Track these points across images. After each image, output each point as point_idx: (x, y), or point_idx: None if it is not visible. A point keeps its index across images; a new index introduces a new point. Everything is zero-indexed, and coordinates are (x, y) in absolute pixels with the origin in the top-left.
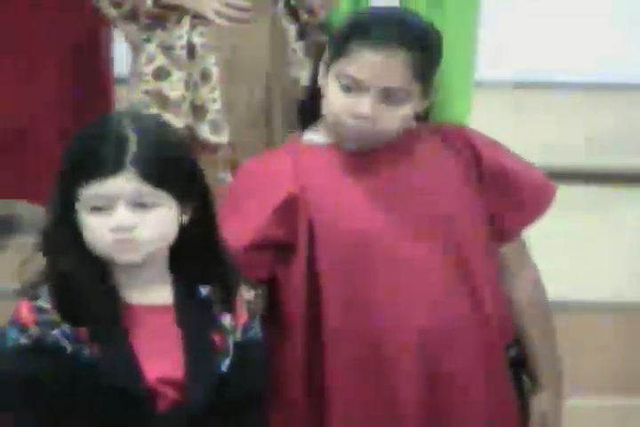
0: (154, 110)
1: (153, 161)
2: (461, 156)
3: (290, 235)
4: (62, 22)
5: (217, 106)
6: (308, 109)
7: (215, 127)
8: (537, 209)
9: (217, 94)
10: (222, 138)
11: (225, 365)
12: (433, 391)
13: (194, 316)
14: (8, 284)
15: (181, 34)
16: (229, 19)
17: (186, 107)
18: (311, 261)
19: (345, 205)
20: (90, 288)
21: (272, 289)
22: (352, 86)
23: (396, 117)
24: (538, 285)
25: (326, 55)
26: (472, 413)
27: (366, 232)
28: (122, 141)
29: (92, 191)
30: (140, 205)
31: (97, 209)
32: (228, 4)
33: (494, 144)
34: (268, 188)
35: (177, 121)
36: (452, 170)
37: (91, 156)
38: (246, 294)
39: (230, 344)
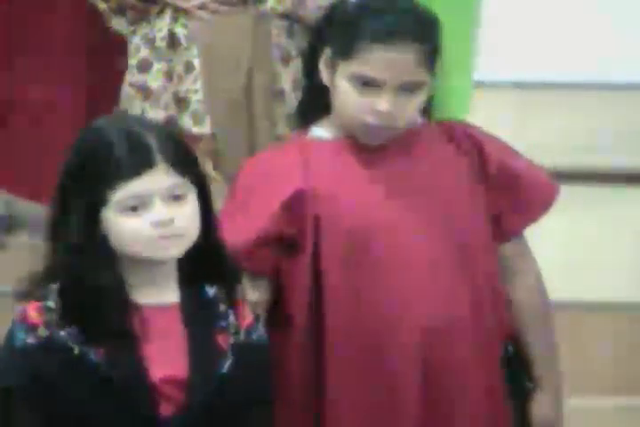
0: (137, 102)
1: (176, 152)
2: (467, 154)
3: (296, 231)
4: (90, 19)
5: (198, 96)
6: (308, 106)
7: (197, 118)
8: (539, 209)
9: (199, 85)
10: (204, 129)
11: (226, 366)
12: (432, 390)
13: (199, 316)
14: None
15: (162, 26)
16: (210, 11)
17: (167, 98)
18: (316, 258)
19: (351, 201)
20: (107, 291)
21: (275, 289)
22: (368, 85)
23: (414, 107)
24: (539, 285)
25: (327, 55)
26: (471, 412)
27: (372, 229)
28: (141, 138)
29: (125, 192)
30: (173, 198)
31: (131, 209)
32: None
33: (500, 143)
34: (275, 183)
35: (157, 112)
36: (458, 168)
37: (116, 158)
38: (251, 295)
39: (232, 345)
